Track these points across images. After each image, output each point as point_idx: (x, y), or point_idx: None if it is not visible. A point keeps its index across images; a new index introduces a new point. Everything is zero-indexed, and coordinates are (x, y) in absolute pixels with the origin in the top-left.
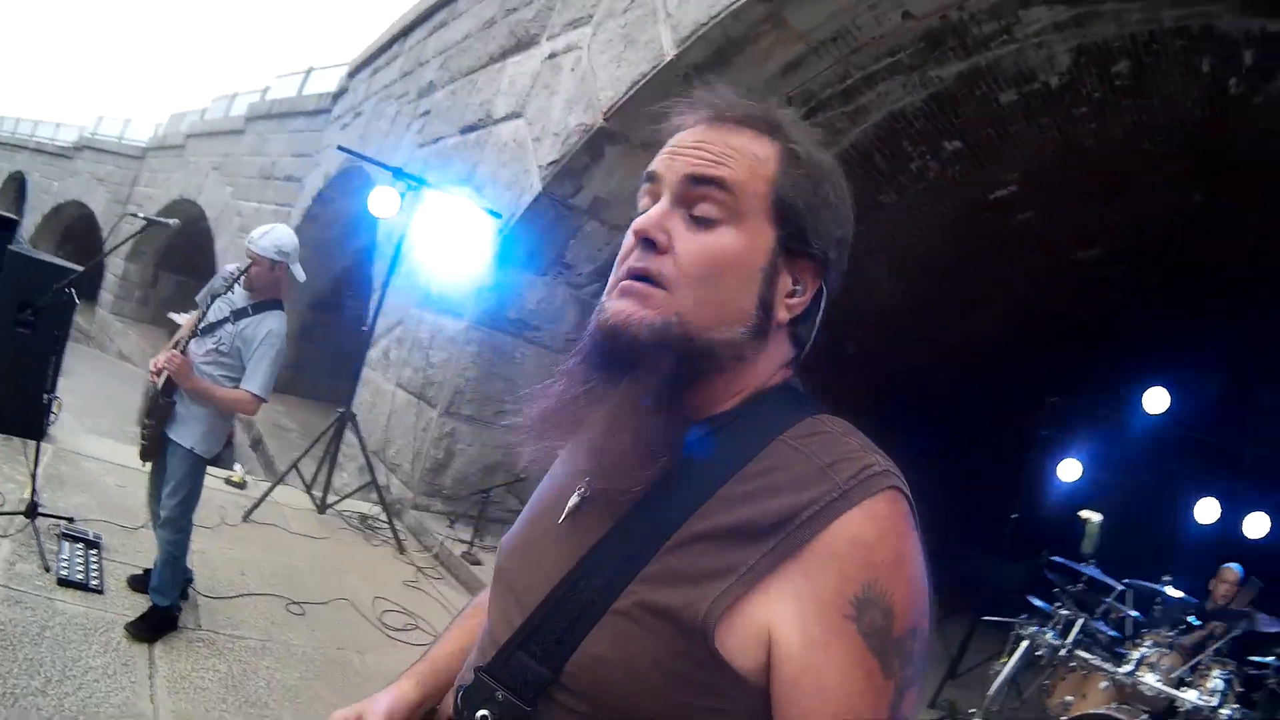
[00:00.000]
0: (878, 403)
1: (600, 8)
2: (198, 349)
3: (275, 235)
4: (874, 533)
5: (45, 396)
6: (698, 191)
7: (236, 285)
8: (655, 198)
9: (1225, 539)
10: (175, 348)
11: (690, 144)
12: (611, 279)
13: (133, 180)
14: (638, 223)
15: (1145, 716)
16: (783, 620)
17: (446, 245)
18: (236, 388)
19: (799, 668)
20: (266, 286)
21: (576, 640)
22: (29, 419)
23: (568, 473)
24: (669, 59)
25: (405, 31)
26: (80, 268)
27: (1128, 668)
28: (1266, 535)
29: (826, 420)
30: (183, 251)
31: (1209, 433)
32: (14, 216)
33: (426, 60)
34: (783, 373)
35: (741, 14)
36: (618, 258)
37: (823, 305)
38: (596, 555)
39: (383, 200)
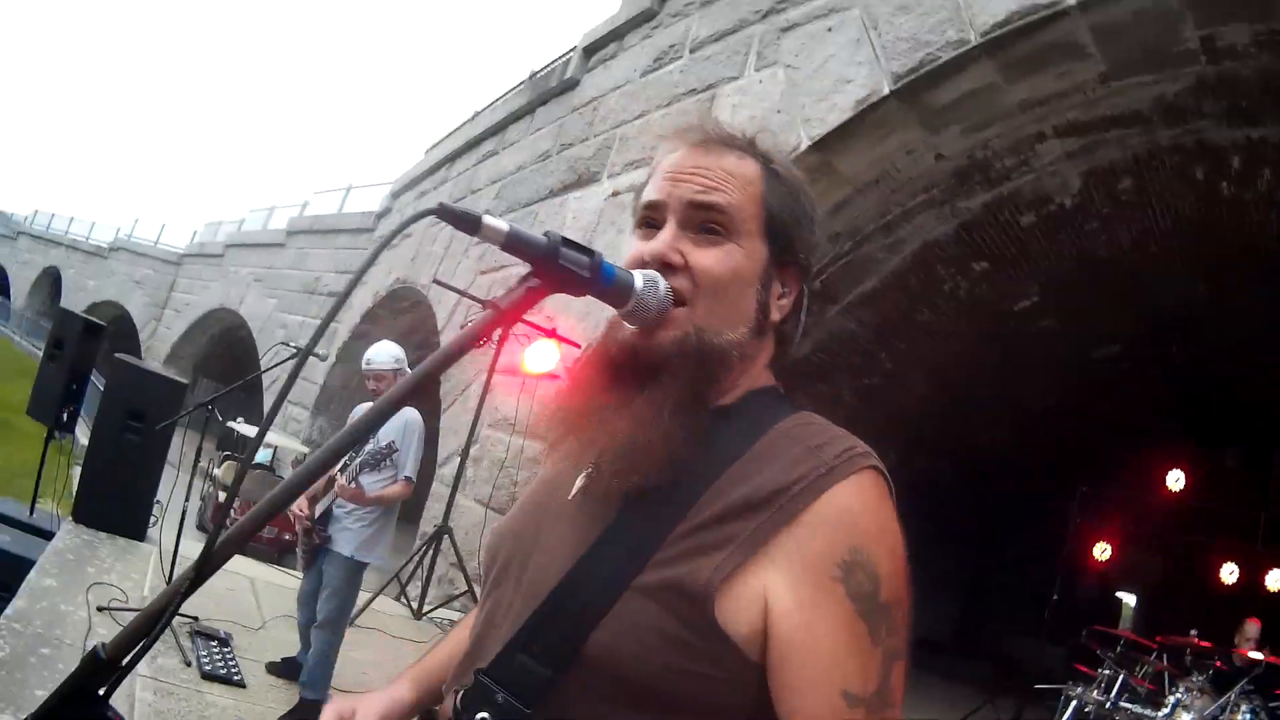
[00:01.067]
0: (920, 505)
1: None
2: (353, 472)
3: (388, 349)
4: (860, 503)
5: (155, 501)
6: (701, 216)
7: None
8: (656, 224)
9: (1246, 597)
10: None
11: (688, 170)
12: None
13: (170, 285)
14: (652, 248)
15: None
16: (776, 584)
17: (528, 373)
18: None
19: (790, 627)
20: None
21: (582, 637)
22: (131, 520)
23: (563, 465)
24: None
25: (452, 157)
26: (184, 380)
27: (1165, 711)
28: None
29: (813, 415)
30: (221, 359)
31: (1227, 504)
32: (102, 323)
33: (479, 188)
34: (768, 373)
35: (797, 163)
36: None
37: (805, 305)
38: (608, 540)
39: (540, 355)
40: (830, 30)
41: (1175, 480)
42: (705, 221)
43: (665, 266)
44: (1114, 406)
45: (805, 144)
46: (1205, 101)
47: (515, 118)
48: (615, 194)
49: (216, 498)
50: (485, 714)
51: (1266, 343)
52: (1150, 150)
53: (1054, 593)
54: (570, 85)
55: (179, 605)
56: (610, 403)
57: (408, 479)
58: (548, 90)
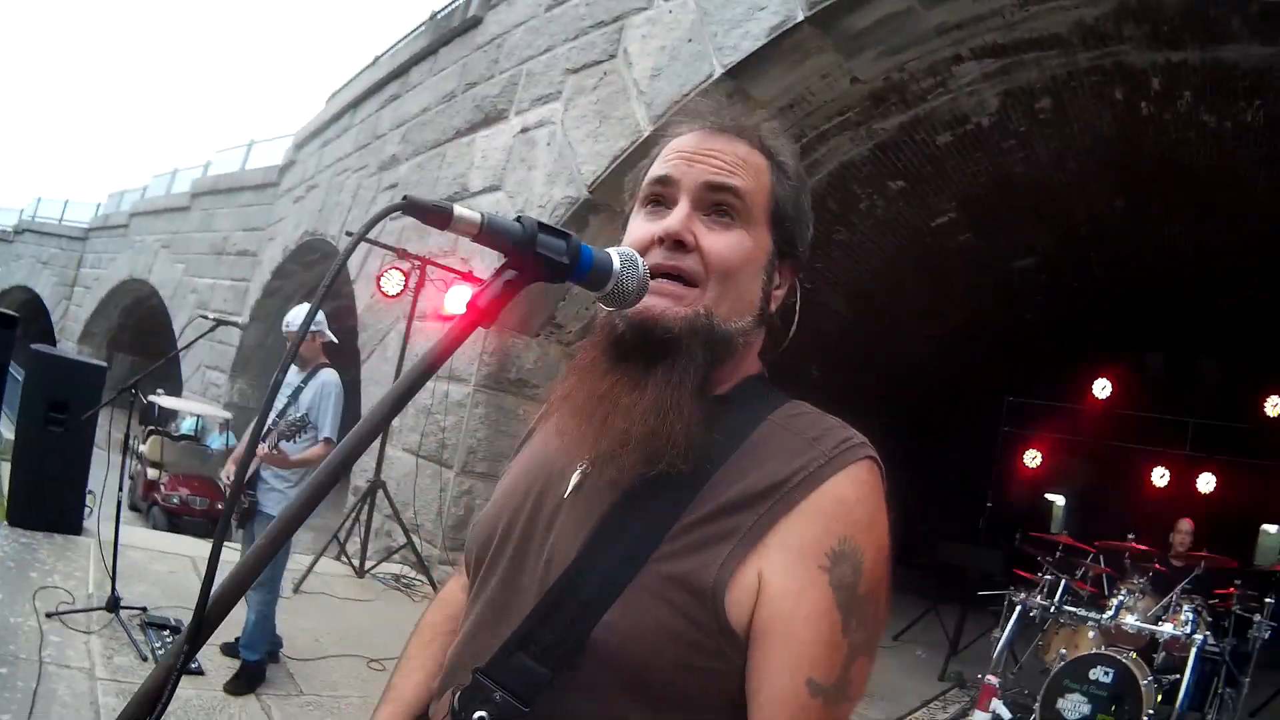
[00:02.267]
0: (846, 420)
1: (568, 84)
2: (275, 439)
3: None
4: (854, 494)
5: (87, 492)
6: (716, 197)
7: (294, 370)
8: (667, 200)
9: (1177, 501)
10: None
11: (704, 151)
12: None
13: (78, 262)
14: (666, 225)
15: (1132, 652)
16: (770, 569)
17: (444, 316)
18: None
19: (772, 611)
20: (312, 357)
21: (584, 636)
22: (66, 515)
23: (557, 454)
24: (646, 134)
25: (355, 103)
26: (103, 363)
27: (1109, 613)
28: (1213, 490)
29: (803, 404)
30: (134, 331)
31: (1154, 409)
32: (14, 314)
33: (384, 133)
34: (757, 363)
35: (710, 91)
36: (630, 248)
37: (798, 298)
38: (608, 535)
39: (391, 280)
40: None
41: (1101, 388)
42: (719, 203)
43: (678, 245)
44: (1036, 316)
45: (719, 72)
46: (1126, 26)
47: (417, 59)
48: (524, 130)
49: (145, 474)
50: (483, 713)
51: (1184, 252)
52: (1069, 72)
53: (987, 500)
54: (473, 23)
55: (176, 683)
56: (621, 383)
57: (327, 440)
58: (450, 29)
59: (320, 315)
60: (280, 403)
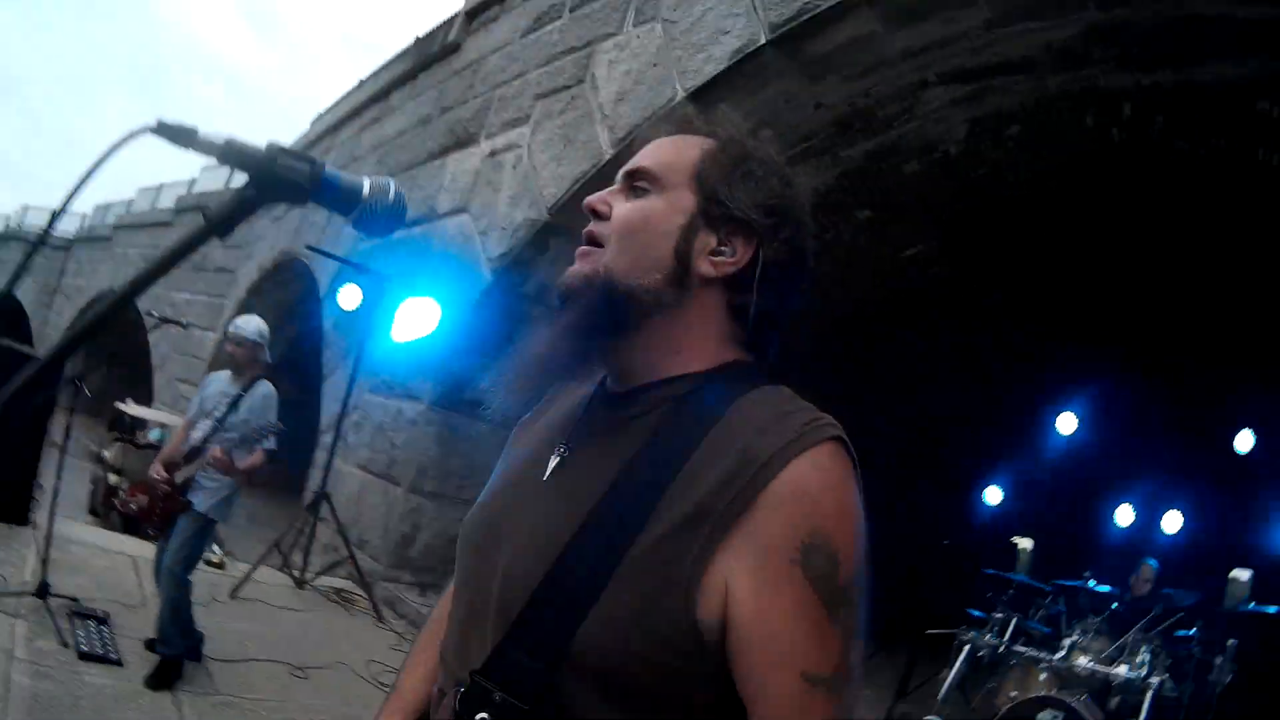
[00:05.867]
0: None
1: (537, 109)
2: (217, 442)
3: (256, 323)
4: (819, 482)
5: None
6: (633, 180)
7: (228, 378)
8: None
9: (1143, 538)
10: (189, 450)
11: (643, 149)
12: None
13: (60, 271)
14: (586, 200)
15: (1085, 695)
16: (735, 571)
17: (403, 334)
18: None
19: (749, 612)
20: (251, 366)
21: (571, 630)
22: (14, 505)
23: (535, 445)
24: (608, 158)
25: (337, 126)
26: (30, 349)
27: (1061, 654)
28: (1180, 530)
29: (781, 389)
30: (109, 340)
31: (1120, 446)
32: None
33: (362, 155)
34: (734, 350)
35: (672, 114)
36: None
37: (771, 276)
38: (589, 527)
39: (349, 296)
40: None
41: (1064, 424)
42: (634, 183)
43: (594, 214)
44: (1005, 352)
45: (680, 95)
46: (1095, 48)
47: (399, 83)
48: (493, 154)
49: (106, 480)
50: (485, 715)
51: (1159, 285)
52: (1038, 98)
53: (945, 538)
54: (452, 49)
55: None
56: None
57: (266, 449)
58: (430, 54)
59: (266, 331)
60: (220, 411)
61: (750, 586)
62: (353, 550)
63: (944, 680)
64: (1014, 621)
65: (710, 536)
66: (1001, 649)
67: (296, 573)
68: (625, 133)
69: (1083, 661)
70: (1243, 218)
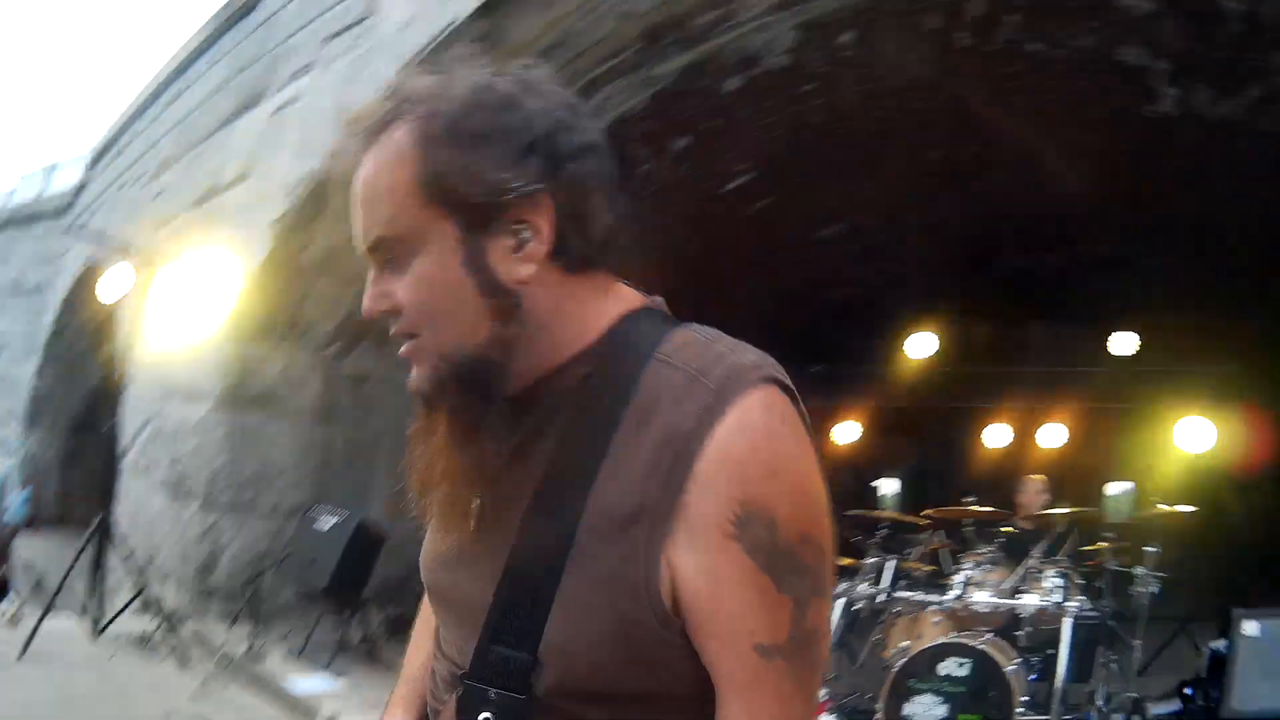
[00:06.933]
0: None
1: (323, 52)
2: None
3: None
4: (745, 445)
5: None
6: (376, 258)
7: None
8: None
9: (1018, 459)
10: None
11: (357, 206)
12: None
13: None
14: (364, 308)
15: (990, 634)
16: (680, 558)
17: (179, 328)
18: None
19: (695, 594)
20: None
21: (543, 619)
22: None
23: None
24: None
25: (142, 108)
26: None
27: (954, 593)
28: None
29: (694, 329)
30: None
31: (984, 365)
32: None
33: (161, 136)
34: (612, 301)
35: (461, 31)
36: None
37: (582, 211)
38: (527, 539)
39: (113, 282)
40: None
41: (920, 346)
42: (383, 260)
43: (387, 316)
44: (848, 281)
45: (471, 8)
46: None
47: (199, 53)
48: (279, 109)
49: None
50: (487, 715)
51: (1005, 208)
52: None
53: None
54: (250, 7)
55: None
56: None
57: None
58: (229, 16)
59: None
60: None
61: (694, 569)
62: (150, 584)
63: None
64: (891, 564)
65: (651, 534)
66: (880, 597)
67: (93, 619)
68: (410, 58)
69: (981, 597)
70: (1109, 121)
